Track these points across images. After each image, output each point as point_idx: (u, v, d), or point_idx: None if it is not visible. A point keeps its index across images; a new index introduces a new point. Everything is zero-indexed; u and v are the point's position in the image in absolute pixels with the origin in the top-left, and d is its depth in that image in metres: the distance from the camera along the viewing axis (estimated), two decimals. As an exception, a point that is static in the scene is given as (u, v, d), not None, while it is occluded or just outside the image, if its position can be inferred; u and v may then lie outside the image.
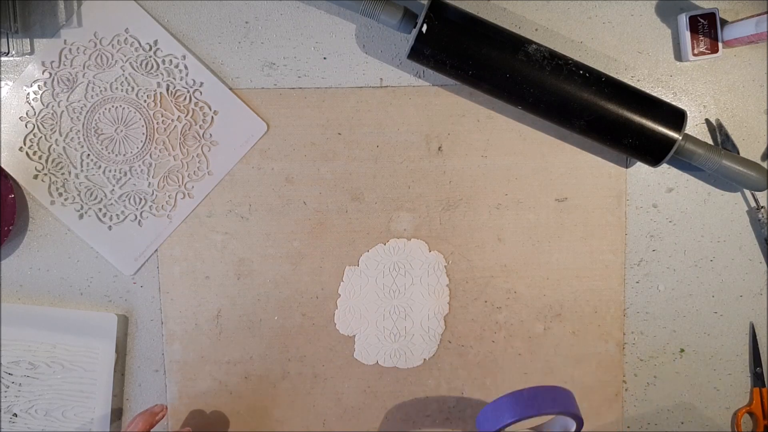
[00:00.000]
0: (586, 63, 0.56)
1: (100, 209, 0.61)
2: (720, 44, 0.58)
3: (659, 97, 0.57)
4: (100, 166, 0.61)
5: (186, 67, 0.60)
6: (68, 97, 0.60)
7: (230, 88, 0.60)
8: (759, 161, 0.61)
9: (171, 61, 0.59)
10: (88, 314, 0.61)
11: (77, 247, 0.61)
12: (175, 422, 0.63)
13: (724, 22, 0.59)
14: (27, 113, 0.60)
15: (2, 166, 0.60)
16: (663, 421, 0.64)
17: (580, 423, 0.54)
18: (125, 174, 0.61)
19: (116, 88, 0.60)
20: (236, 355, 0.62)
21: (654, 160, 0.57)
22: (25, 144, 0.60)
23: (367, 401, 0.63)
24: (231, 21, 0.60)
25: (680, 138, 0.55)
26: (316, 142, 0.61)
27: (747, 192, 0.62)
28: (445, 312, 0.61)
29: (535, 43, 0.55)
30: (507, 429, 0.54)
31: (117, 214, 0.61)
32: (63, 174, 0.60)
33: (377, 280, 0.62)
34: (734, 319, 0.63)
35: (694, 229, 0.62)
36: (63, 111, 0.60)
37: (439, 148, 0.61)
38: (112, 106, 0.60)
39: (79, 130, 0.60)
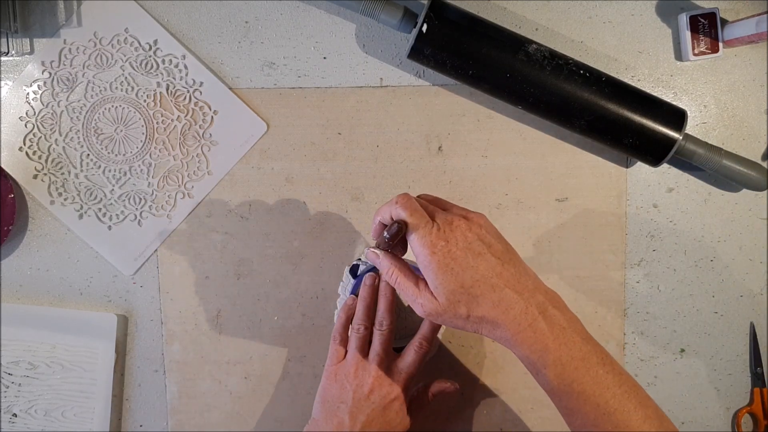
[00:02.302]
0: (586, 63, 0.56)
1: (100, 209, 0.61)
2: (720, 44, 0.58)
3: (660, 96, 0.57)
4: (99, 166, 0.60)
5: (186, 67, 0.60)
6: (68, 96, 0.60)
7: (230, 88, 0.60)
8: (759, 161, 0.61)
9: (171, 60, 0.59)
10: (88, 314, 0.61)
11: (77, 247, 0.61)
12: (175, 422, 0.63)
13: (724, 22, 0.59)
14: (27, 113, 0.60)
15: (2, 165, 0.60)
16: (663, 421, 0.64)
17: None
18: (125, 174, 0.61)
19: (116, 88, 0.60)
20: (236, 355, 0.62)
21: (654, 159, 0.57)
22: (24, 144, 0.60)
23: (367, 401, 0.63)
24: (231, 21, 0.60)
25: (681, 138, 0.55)
26: (316, 142, 0.61)
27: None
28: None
29: (536, 42, 0.55)
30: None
31: (117, 214, 0.61)
32: (63, 174, 0.60)
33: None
34: (734, 319, 0.63)
35: (695, 229, 0.62)
36: (63, 111, 0.60)
37: (439, 148, 0.61)
38: (112, 106, 0.60)
39: (78, 130, 0.60)
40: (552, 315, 0.45)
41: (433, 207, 0.48)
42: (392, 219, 0.47)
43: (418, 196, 0.49)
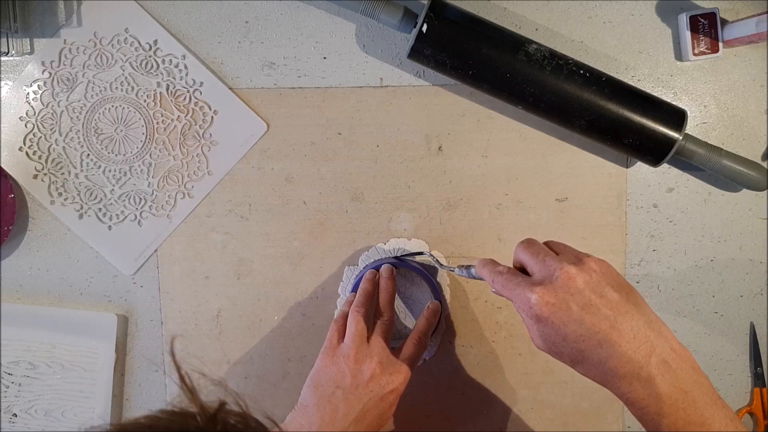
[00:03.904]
0: (586, 63, 0.56)
1: (100, 209, 0.61)
2: (720, 44, 0.58)
3: (659, 96, 0.57)
4: (100, 166, 0.61)
5: (186, 67, 0.60)
6: (68, 96, 0.60)
7: (230, 88, 0.60)
8: (759, 161, 0.61)
9: (171, 60, 0.59)
10: (88, 314, 0.61)
11: (77, 247, 0.61)
12: (175, 422, 0.63)
13: (724, 22, 0.59)
14: (27, 113, 0.60)
15: (2, 166, 0.60)
16: (663, 421, 0.64)
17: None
18: (125, 174, 0.61)
19: (116, 88, 0.60)
20: (236, 355, 0.62)
21: (654, 159, 0.57)
22: (25, 144, 0.60)
23: (367, 401, 0.63)
24: (231, 21, 0.60)
25: (681, 138, 0.55)
26: (316, 142, 0.61)
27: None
28: (445, 312, 0.61)
29: (536, 42, 0.55)
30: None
31: (117, 214, 0.61)
32: (63, 174, 0.60)
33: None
34: (734, 319, 0.63)
35: (695, 229, 0.62)
36: (63, 111, 0.60)
37: (439, 147, 0.61)
38: (112, 106, 0.60)
39: (79, 130, 0.60)
40: (674, 376, 0.40)
41: (545, 251, 0.45)
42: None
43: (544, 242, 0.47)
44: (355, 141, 0.61)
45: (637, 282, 0.62)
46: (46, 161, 0.60)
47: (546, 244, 0.47)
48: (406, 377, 0.52)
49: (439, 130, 0.61)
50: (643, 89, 0.57)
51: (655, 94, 0.58)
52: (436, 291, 0.59)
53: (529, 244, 0.46)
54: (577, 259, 0.43)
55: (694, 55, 0.59)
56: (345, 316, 0.55)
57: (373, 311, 0.55)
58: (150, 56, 0.59)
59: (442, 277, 0.61)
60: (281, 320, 0.62)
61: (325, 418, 0.49)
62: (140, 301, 0.62)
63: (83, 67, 0.59)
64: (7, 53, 0.58)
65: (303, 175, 0.61)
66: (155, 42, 0.59)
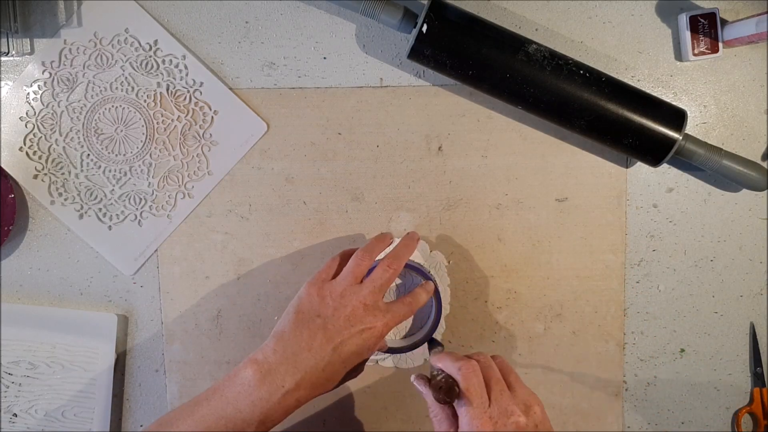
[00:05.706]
0: (586, 63, 0.56)
1: (100, 209, 0.61)
2: (720, 44, 0.58)
3: (659, 97, 0.57)
4: (100, 166, 0.61)
5: (186, 67, 0.60)
6: (68, 97, 0.60)
7: (230, 88, 0.60)
8: (759, 161, 0.61)
9: (171, 61, 0.59)
10: (88, 314, 0.61)
11: (77, 247, 0.61)
12: (175, 422, 0.63)
13: (724, 22, 0.59)
14: (27, 113, 0.60)
15: (2, 166, 0.60)
16: (663, 421, 0.64)
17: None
18: (125, 174, 0.61)
19: (116, 88, 0.60)
20: (236, 355, 0.62)
21: (654, 160, 0.57)
22: (25, 144, 0.60)
23: (367, 401, 0.63)
24: (231, 21, 0.60)
25: (681, 138, 0.55)
26: (316, 142, 0.61)
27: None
28: (445, 312, 0.61)
29: (536, 42, 0.55)
30: None
31: (117, 214, 0.61)
32: (63, 174, 0.60)
33: (377, 280, 0.62)
34: (734, 319, 0.63)
35: (695, 229, 0.62)
36: (63, 111, 0.60)
37: (439, 148, 0.61)
38: (112, 106, 0.60)
39: (79, 130, 0.60)
40: None
41: (497, 378, 0.47)
42: (447, 378, 0.47)
43: (491, 356, 0.49)
44: (355, 141, 0.61)
45: (637, 282, 0.62)
46: (46, 161, 0.60)
47: (495, 359, 0.50)
48: (386, 324, 0.51)
49: (439, 130, 0.61)
50: (643, 89, 0.57)
51: (655, 94, 0.58)
52: (437, 291, 0.59)
53: (472, 374, 0.47)
54: (525, 411, 0.45)
55: (694, 55, 0.59)
56: (343, 257, 0.55)
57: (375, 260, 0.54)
58: (150, 56, 0.59)
59: (443, 278, 0.61)
60: (281, 320, 0.62)
61: (302, 343, 0.49)
62: (140, 301, 0.62)
63: (83, 67, 0.59)
64: (7, 53, 0.58)
65: (303, 175, 0.61)
66: (155, 42, 0.59)
